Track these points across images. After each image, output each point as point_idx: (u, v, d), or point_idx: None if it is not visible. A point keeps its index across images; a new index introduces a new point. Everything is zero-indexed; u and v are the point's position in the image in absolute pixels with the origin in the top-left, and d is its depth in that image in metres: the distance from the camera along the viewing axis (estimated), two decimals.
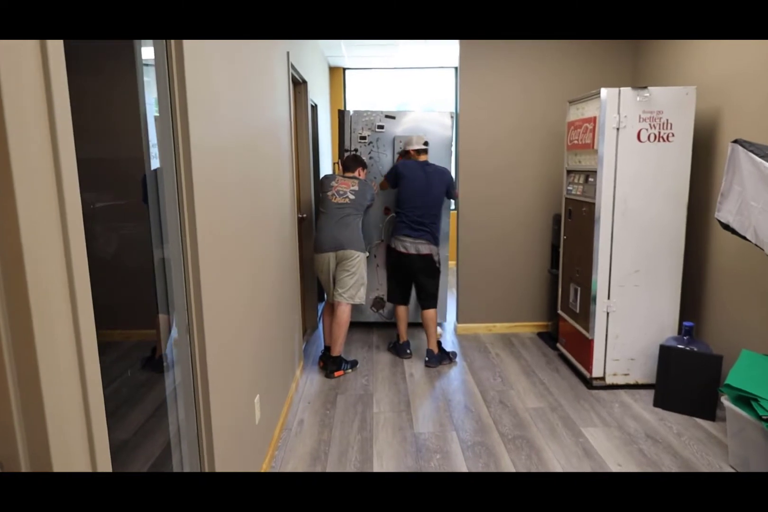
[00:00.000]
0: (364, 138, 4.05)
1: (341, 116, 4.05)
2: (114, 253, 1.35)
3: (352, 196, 3.46)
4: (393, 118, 4.04)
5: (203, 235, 1.56)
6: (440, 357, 3.60)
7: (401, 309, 3.70)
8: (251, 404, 2.12)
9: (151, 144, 1.48)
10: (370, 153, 4.07)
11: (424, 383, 3.31)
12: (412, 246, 3.50)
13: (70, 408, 0.89)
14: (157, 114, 1.46)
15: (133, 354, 1.48)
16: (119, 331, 1.43)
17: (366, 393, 3.17)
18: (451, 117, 4.07)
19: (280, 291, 2.77)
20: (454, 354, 3.69)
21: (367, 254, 3.59)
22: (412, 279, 3.65)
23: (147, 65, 1.45)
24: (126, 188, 1.46)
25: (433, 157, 4.03)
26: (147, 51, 1.44)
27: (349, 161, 3.64)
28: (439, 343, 3.65)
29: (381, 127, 4.04)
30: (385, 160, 4.07)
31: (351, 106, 6.49)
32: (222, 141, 1.78)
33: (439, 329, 4.20)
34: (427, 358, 3.59)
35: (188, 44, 1.47)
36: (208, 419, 1.61)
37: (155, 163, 1.48)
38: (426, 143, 3.61)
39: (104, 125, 1.36)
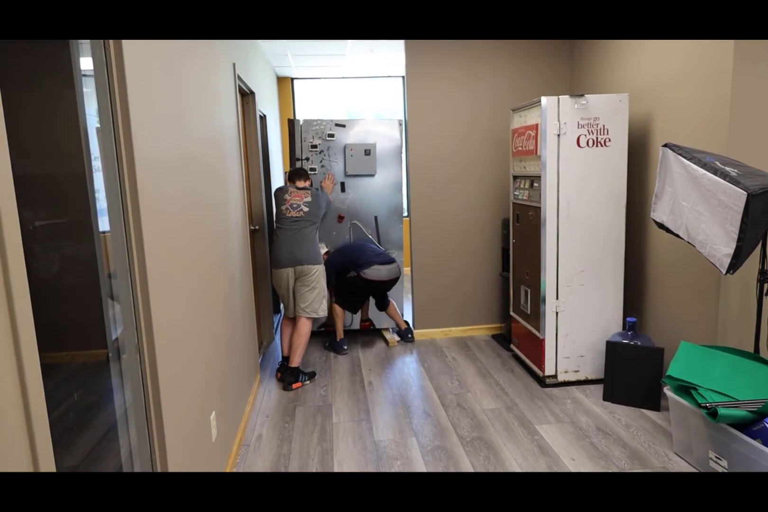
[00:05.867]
0: (315, 146, 4.06)
1: (291, 125, 4.05)
2: (57, 272, 1.30)
3: (306, 208, 3.45)
4: (343, 126, 4.07)
5: (150, 250, 1.52)
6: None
7: (341, 309, 3.97)
8: (207, 422, 2.07)
9: (93, 157, 1.44)
10: (321, 161, 4.08)
11: (383, 391, 3.33)
12: (387, 274, 3.85)
13: (12, 435, 0.86)
14: (99, 125, 1.42)
15: (80, 375, 1.43)
16: (65, 353, 1.38)
17: (325, 404, 3.15)
18: (400, 125, 4.14)
19: (233, 304, 2.73)
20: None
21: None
22: (376, 295, 4.03)
23: (86, 76, 1.42)
24: (68, 205, 1.41)
25: (384, 166, 4.13)
26: (86, 61, 1.41)
27: (293, 175, 3.61)
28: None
29: (332, 135, 4.05)
30: (337, 168, 4.10)
31: (301, 116, 6.47)
32: (166, 152, 1.75)
33: (395, 336, 4.24)
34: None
35: (129, 53, 1.45)
36: (162, 440, 1.57)
37: (98, 177, 1.44)
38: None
39: (43, 139, 1.31)
